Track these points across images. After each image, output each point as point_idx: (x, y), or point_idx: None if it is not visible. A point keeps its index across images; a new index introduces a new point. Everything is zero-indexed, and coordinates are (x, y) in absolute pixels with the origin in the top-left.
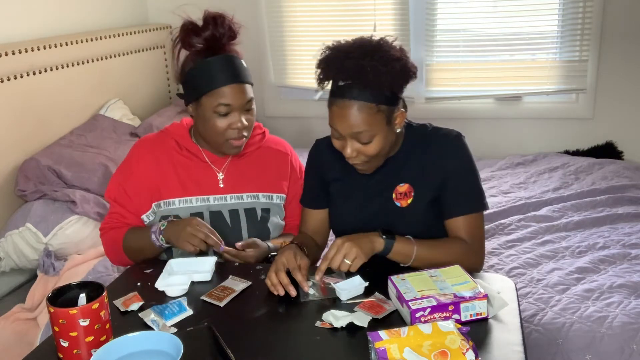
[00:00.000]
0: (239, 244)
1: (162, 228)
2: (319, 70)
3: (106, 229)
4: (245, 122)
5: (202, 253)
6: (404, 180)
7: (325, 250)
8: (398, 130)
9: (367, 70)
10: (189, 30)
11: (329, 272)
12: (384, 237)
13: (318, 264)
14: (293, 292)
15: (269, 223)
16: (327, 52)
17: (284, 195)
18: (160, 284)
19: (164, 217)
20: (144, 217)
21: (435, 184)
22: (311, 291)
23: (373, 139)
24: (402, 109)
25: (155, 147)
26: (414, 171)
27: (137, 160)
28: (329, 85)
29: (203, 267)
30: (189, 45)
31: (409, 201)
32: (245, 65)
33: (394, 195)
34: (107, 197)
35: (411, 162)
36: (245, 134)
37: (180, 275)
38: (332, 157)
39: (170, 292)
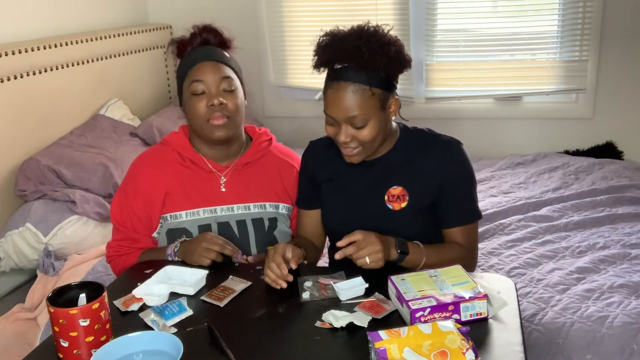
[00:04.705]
0: (250, 258)
1: (176, 250)
2: (315, 56)
3: (115, 256)
4: (223, 100)
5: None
6: (398, 182)
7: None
8: (392, 118)
9: (363, 51)
10: (180, 43)
11: (328, 272)
12: (398, 250)
13: (339, 243)
14: (284, 284)
15: (276, 231)
16: (324, 37)
17: (290, 207)
18: (139, 292)
19: (170, 231)
20: (154, 234)
21: (432, 189)
22: (311, 291)
23: (367, 124)
24: (397, 97)
25: (158, 162)
26: (410, 175)
27: (142, 179)
28: (324, 73)
29: (190, 280)
30: (183, 55)
31: (403, 205)
32: (228, 55)
33: (386, 197)
34: (113, 220)
35: (407, 166)
36: (227, 113)
37: (161, 285)
38: (324, 158)
39: (149, 302)
